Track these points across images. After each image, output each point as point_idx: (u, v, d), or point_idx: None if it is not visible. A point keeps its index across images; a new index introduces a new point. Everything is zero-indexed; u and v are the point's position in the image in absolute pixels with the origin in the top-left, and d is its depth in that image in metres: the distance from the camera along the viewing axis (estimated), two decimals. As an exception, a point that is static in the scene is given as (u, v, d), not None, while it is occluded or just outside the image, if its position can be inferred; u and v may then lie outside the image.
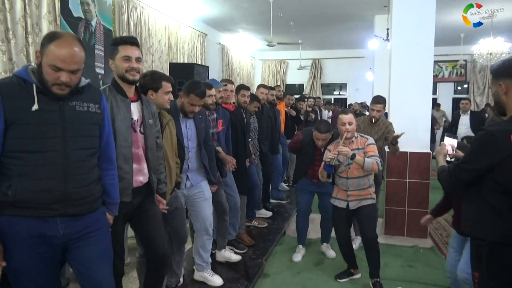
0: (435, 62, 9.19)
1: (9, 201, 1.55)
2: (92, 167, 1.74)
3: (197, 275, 2.99)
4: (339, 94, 12.94)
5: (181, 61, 7.37)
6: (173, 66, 6.30)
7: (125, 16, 5.71)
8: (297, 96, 7.05)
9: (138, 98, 2.13)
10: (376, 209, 3.19)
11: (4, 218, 1.57)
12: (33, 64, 1.69)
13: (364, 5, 7.10)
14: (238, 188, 3.49)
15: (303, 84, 12.78)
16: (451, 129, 7.01)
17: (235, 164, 3.24)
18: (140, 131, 2.10)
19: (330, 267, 3.42)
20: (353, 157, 2.84)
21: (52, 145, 1.59)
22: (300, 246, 3.68)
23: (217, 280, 2.93)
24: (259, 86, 4.76)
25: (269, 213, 4.66)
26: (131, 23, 5.85)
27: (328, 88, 12.94)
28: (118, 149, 1.94)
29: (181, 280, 2.88)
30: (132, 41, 2.06)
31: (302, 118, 6.44)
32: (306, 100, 7.06)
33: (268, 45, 7.30)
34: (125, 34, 5.69)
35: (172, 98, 2.43)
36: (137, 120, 2.09)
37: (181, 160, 2.66)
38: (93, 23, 5.13)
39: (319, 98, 9.66)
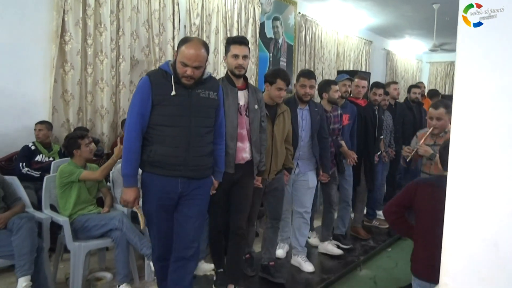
0: None
1: (149, 160, 2.01)
2: (208, 142, 2.11)
3: (293, 259, 3.16)
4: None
5: (347, 68, 8.38)
6: (339, 73, 7.37)
7: (303, 33, 7.07)
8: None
9: (246, 87, 2.45)
10: None
11: (146, 173, 2.05)
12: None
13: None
14: (363, 182, 3.63)
15: (475, 87, 12.08)
16: None
17: (356, 159, 3.37)
18: (246, 114, 2.41)
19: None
20: (432, 157, 2.59)
21: (181, 121, 1.99)
22: None
23: (309, 267, 3.04)
24: (390, 83, 4.65)
25: None
26: (307, 38, 7.19)
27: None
28: (226, 128, 2.28)
29: (281, 253, 3.10)
30: (241, 41, 2.37)
31: None
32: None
33: (431, 50, 7.65)
34: (302, 47, 7.07)
35: (283, 94, 2.64)
36: (244, 105, 2.41)
37: (294, 148, 2.86)
38: (280, 41, 6.64)
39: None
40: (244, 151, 2.41)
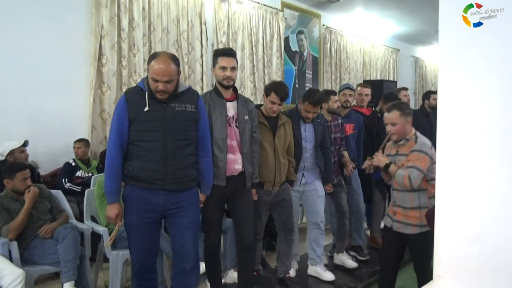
0: None
1: (130, 175, 2.04)
2: (188, 155, 2.09)
3: (311, 270, 3.09)
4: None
5: (374, 77, 8.36)
6: (365, 83, 7.39)
7: (328, 45, 7.16)
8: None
9: (235, 98, 2.43)
10: (426, 244, 2.13)
11: (128, 186, 2.08)
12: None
13: None
14: (373, 192, 3.54)
15: None
16: None
17: (352, 170, 3.25)
18: (235, 126, 2.39)
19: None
20: (387, 166, 2.32)
21: (156, 136, 2.01)
22: None
23: (329, 276, 3.00)
24: (400, 89, 4.56)
25: None
26: (333, 49, 7.27)
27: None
28: (214, 140, 2.28)
29: (292, 273, 2.98)
30: (228, 53, 2.38)
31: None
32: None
33: (460, 56, 7.51)
34: (327, 59, 7.15)
35: (276, 109, 2.61)
36: (233, 116, 2.39)
37: (297, 160, 2.85)
38: (305, 53, 6.76)
39: None
40: (236, 163, 2.39)
